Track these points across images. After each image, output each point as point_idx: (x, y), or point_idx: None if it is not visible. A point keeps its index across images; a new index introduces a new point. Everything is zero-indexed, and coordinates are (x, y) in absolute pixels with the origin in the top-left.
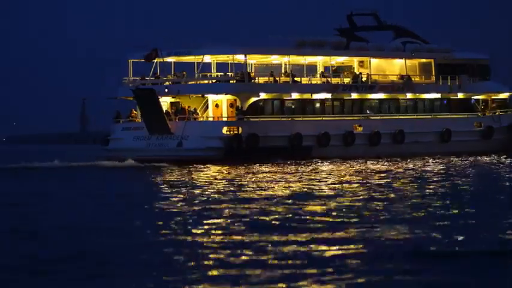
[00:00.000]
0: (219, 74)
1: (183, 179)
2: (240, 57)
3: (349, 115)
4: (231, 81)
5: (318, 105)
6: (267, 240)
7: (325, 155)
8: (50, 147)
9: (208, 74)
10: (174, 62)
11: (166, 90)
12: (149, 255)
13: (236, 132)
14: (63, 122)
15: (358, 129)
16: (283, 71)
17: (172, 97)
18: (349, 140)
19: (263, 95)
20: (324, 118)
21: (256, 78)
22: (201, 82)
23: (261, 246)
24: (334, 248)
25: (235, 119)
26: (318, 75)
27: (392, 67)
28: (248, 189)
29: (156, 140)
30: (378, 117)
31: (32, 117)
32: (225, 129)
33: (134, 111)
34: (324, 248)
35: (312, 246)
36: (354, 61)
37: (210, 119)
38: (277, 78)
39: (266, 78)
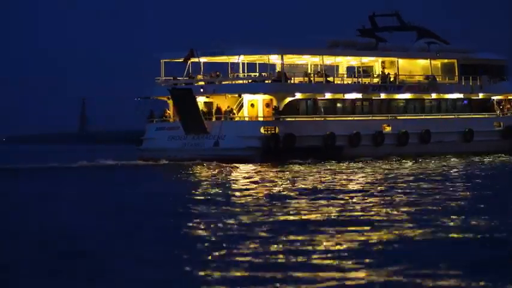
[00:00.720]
0: (254, 74)
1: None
2: (273, 58)
3: (377, 115)
4: (267, 81)
5: (349, 105)
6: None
7: (356, 155)
8: (50, 148)
9: (245, 74)
10: (205, 63)
11: (201, 90)
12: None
13: (273, 132)
14: (63, 122)
15: (387, 129)
16: (309, 71)
17: (206, 97)
18: (379, 140)
19: (298, 95)
20: (355, 118)
21: (292, 78)
22: (237, 82)
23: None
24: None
25: (272, 119)
26: (345, 75)
27: (416, 67)
28: (332, 185)
29: (192, 139)
30: (406, 117)
31: (32, 117)
32: (262, 129)
33: (168, 111)
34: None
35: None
36: (379, 61)
37: (246, 118)
38: (311, 78)
39: (301, 78)
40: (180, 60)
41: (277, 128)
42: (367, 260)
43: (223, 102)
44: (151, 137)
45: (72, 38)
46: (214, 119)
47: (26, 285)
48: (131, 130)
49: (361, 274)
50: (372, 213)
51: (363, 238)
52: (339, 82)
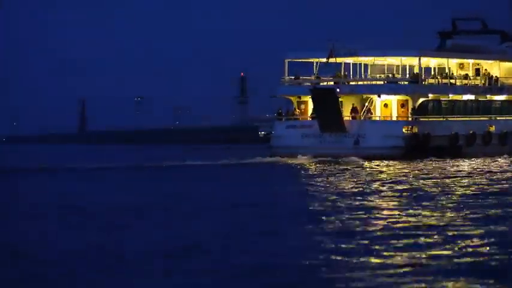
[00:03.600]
0: (387, 75)
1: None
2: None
3: (483, 116)
4: (403, 82)
5: (464, 105)
6: None
7: (471, 154)
8: (51, 148)
9: (382, 75)
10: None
11: (338, 90)
12: None
13: (414, 131)
14: (63, 122)
15: (491, 128)
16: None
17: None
18: (487, 139)
19: (431, 96)
20: (470, 118)
21: (426, 79)
22: (376, 83)
23: None
24: None
25: (411, 119)
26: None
27: (507, 71)
28: None
29: (329, 137)
30: (505, 118)
31: (32, 117)
32: (404, 129)
33: (297, 110)
34: None
35: None
36: (451, 62)
37: (388, 118)
38: (438, 80)
39: (432, 80)
40: (297, 60)
41: (415, 128)
42: None
43: (351, 101)
44: (281, 134)
45: None
46: (351, 118)
47: None
48: (131, 130)
49: None
50: None
51: None
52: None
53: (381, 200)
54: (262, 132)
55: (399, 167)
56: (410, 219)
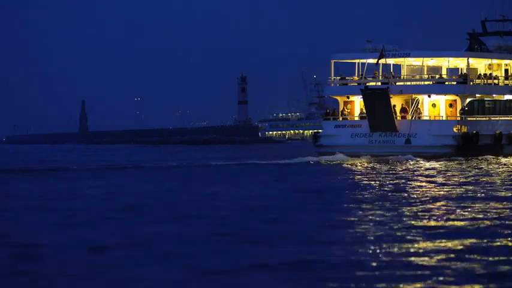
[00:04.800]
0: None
1: None
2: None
3: None
4: (451, 83)
5: (504, 105)
6: None
7: (509, 153)
8: (51, 148)
9: (432, 75)
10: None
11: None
12: None
13: (463, 130)
14: (63, 122)
15: None
16: (444, 72)
17: None
18: None
19: (477, 96)
20: (509, 118)
21: (474, 80)
22: (425, 83)
23: None
24: None
25: (461, 119)
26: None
27: None
28: None
29: (379, 137)
30: None
31: (32, 117)
32: (455, 128)
33: (346, 109)
34: None
35: None
36: (480, 63)
37: (438, 118)
38: (484, 80)
39: (479, 80)
40: (343, 61)
41: (465, 127)
42: None
43: (396, 102)
44: (330, 134)
45: None
46: (401, 117)
47: None
48: (131, 130)
49: None
50: None
51: None
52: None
53: None
54: (270, 133)
55: (467, 165)
56: None
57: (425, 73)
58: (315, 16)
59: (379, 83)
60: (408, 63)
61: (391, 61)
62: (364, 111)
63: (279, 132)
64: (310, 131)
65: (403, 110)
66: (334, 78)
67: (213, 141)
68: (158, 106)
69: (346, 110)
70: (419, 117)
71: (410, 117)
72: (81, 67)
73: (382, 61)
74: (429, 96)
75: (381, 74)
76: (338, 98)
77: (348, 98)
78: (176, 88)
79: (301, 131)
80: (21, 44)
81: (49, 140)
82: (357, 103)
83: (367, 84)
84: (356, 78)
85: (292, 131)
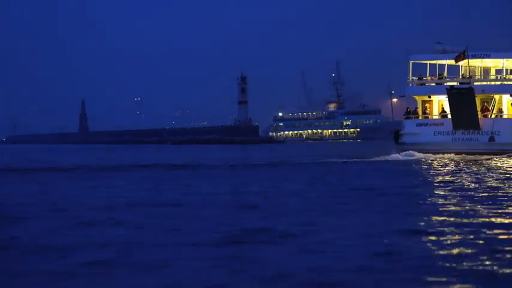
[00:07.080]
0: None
1: None
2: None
3: None
4: None
5: None
6: None
7: None
8: (52, 147)
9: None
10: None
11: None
12: None
13: None
14: (63, 122)
15: None
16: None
17: None
18: None
19: None
20: None
21: None
22: (504, 83)
23: None
24: None
25: None
26: None
27: None
28: None
29: (462, 135)
30: None
31: (32, 117)
32: None
33: (428, 108)
34: None
35: None
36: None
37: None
38: None
39: None
40: (422, 62)
41: None
42: None
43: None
44: (412, 132)
45: None
46: (483, 116)
47: None
48: (131, 130)
49: None
50: None
51: None
52: None
53: None
54: (285, 133)
55: None
56: None
57: (492, 74)
58: (318, 17)
59: (458, 83)
60: (485, 64)
61: (474, 62)
62: (445, 110)
63: (295, 132)
64: (330, 131)
65: (485, 109)
66: (413, 79)
67: (213, 141)
68: (158, 106)
69: (428, 109)
70: (501, 116)
71: (493, 116)
72: (81, 67)
73: (464, 63)
74: (511, 95)
75: (468, 73)
76: (417, 97)
77: (430, 97)
78: (176, 88)
79: (319, 131)
80: (21, 44)
81: (49, 140)
82: (436, 102)
83: (449, 84)
84: (432, 78)
85: (309, 131)
